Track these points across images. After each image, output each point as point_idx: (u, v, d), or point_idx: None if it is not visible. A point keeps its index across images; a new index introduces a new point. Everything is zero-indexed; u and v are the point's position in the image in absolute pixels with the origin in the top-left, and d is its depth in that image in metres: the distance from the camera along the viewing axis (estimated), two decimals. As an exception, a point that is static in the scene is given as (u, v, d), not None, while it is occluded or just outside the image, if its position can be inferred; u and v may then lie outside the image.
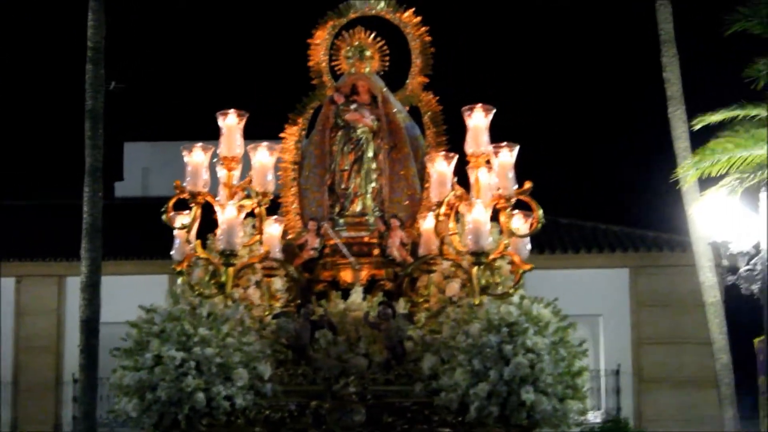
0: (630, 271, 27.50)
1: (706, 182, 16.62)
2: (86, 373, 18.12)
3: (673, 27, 20.44)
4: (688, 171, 17.00)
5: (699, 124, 17.16)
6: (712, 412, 22.87)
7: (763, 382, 16.11)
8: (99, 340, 17.93)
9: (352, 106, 13.27)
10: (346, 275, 12.74)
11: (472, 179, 11.86)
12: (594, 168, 35.28)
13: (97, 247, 18.52)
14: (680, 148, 20.03)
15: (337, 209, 13.16)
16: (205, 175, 11.91)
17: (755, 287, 14.63)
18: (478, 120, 11.86)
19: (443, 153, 12.15)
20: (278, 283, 12.52)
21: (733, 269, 14.88)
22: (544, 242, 26.45)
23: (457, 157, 12.03)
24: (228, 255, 11.71)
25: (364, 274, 12.72)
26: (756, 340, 16.10)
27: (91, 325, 18.10)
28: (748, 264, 14.71)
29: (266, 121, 13.84)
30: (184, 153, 11.93)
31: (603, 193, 33.95)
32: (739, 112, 16.41)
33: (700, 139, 17.06)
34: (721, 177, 15.81)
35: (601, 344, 26.93)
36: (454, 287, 12.27)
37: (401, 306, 12.16)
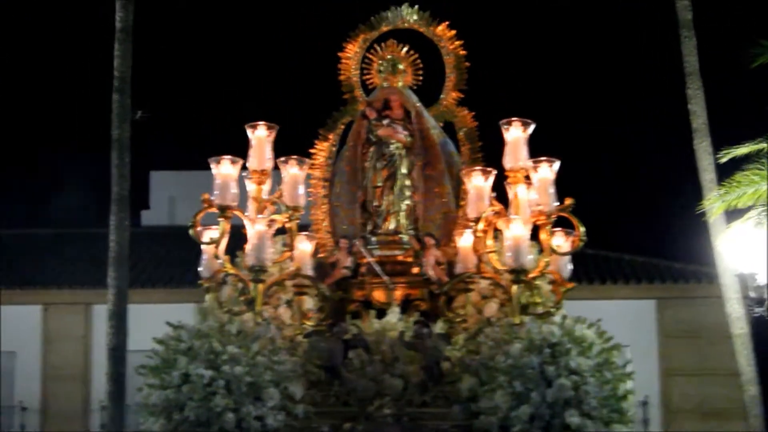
0: (657, 302, 27.12)
1: (732, 214, 16.41)
2: (114, 401, 17.89)
3: (698, 59, 20.20)
4: (714, 203, 16.76)
5: (725, 156, 16.92)
6: (740, 444, 22.47)
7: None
8: (126, 368, 17.65)
9: (385, 122, 12.91)
10: (380, 295, 12.34)
11: (510, 195, 11.50)
12: (620, 199, 34.94)
13: (124, 275, 18.35)
14: (706, 180, 19.67)
15: (369, 227, 12.79)
16: (234, 189, 11.56)
17: (782, 319, 14.42)
18: (516, 134, 11.54)
19: (480, 168, 11.76)
20: (309, 302, 12.12)
21: (760, 301, 14.65)
22: (569, 273, 26.13)
23: (494, 172, 11.68)
24: (257, 271, 11.31)
25: (399, 293, 12.33)
26: (785, 372, 15.82)
27: (118, 353, 17.88)
28: (774, 296, 14.50)
29: (296, 137, 13.49)
30: (212, 165, 11.57)
31: (628, 225, 33.57)
32: (765, 145, 16.20)
33: (726, 171, 16.82)
34: (748, 209, 15.61)
35: (629, 375, 26.53)
36: (492, 307, 11.86)
37: (438, 326, 11.78)
